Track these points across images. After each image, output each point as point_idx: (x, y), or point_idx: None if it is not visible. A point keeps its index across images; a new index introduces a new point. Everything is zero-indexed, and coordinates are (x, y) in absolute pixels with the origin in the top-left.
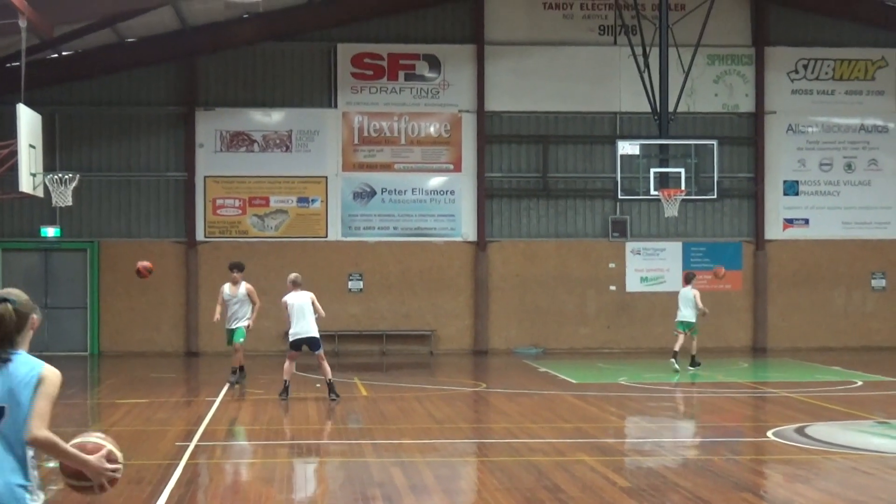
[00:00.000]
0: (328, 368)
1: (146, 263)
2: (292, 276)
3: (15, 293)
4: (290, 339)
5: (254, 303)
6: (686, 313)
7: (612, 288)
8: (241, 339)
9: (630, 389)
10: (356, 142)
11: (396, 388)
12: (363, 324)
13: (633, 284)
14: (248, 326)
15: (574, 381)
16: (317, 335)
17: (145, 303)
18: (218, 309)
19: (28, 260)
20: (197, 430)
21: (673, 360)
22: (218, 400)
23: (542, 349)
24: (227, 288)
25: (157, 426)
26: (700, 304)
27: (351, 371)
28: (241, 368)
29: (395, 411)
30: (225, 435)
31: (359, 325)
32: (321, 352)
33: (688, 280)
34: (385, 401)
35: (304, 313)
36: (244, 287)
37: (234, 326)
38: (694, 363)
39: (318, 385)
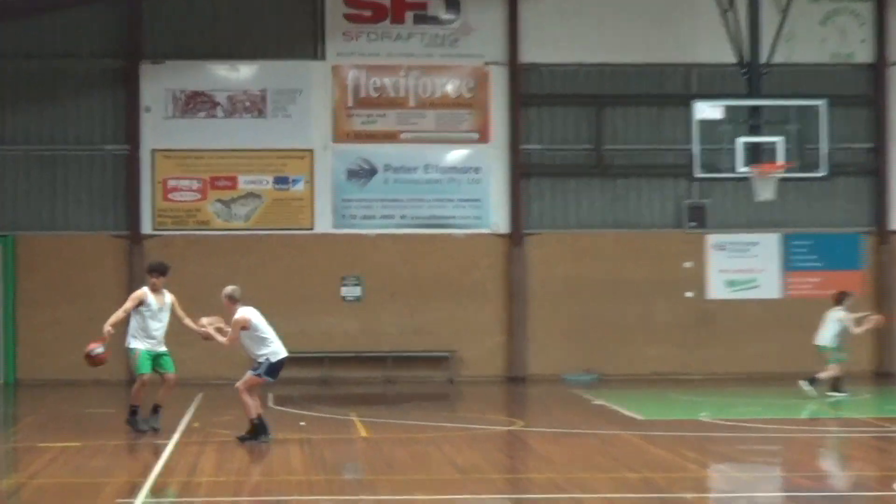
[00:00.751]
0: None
1: (99, 350)
2: (230, 289)
3: None
4: (273, 361)
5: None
6: (825, 335)
7: (689, 294)
8: (173, 370)
9: (713, 428)
10: (351, 104)
11: (406, 428)
12: (362, 343)
13: (716, 290)
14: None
15: (639, 418)
16: None
17: (75, 316)
18: (116, 318)
19: None
20: (143, 483)
21: (808, 383)
22: (171, 443)
23: (597, 375)
24: (150, 296)
25: (92, 477)
26: (855, 327)
27: (346, 405)
28: (157, 409)
29: (404, 458)
30: (180, 489)
31: (356, 345)
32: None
33: (839, 301)
34: (391, 444)
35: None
36: (170, 297)
37: (160, 350)
38: (837, 389)
39: (302, 423)
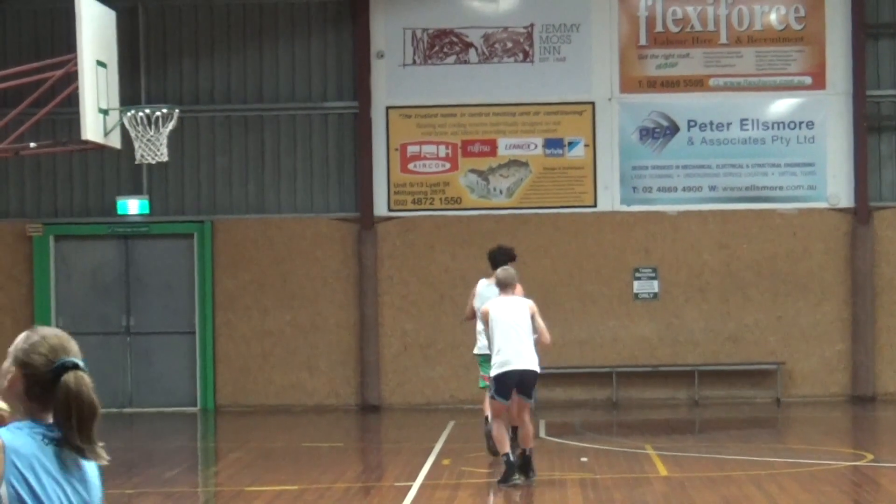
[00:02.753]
0: (531, 430)
1: None
2: (504, 272)
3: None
4: (500, 372)
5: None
6: None
7: None
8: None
9: None
10: (643, 42)
11: (718, 463)
12: (661, 354)
13: None
14: None
15: None
16: (537, 370)
17: (290, 324)
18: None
19: (98, 253)
20: None
21: None
22: (416, 485)
23: None
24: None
25: None
26: None
27: (639, 434)
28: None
29: (716, 503)
30: None
31: (653, 357)
32: (532, 401)
33: None
34: (699, 485)
35: (518, 332)
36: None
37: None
38: None
39: (584, 459)
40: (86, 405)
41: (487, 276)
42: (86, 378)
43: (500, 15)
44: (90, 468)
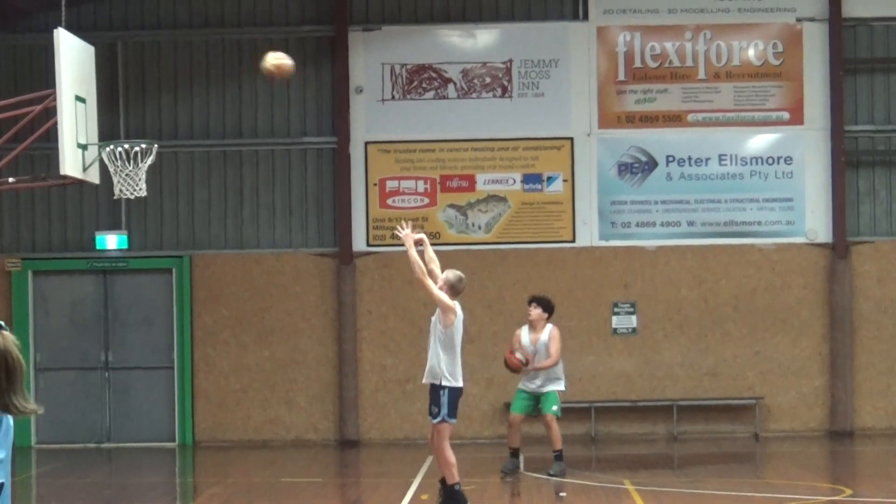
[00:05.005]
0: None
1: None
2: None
3: None
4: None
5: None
6: None
7: None
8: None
9: None
10: (622, 77)
11: (696, 498)
12: (639, 389)
13: None
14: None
15: None
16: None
17: (269, 359)
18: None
19: (76, 288)
20: None
21: None
22: None
23: None
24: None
25: None
26: None
27: (618, 469)
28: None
29: None
30: None
31: (632, 392)
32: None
33: None
34: None
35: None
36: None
37: (546, 389)
38: None
39: (562, 494)
40: (14, 360)
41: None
42: (10, 336)
43: (479, 50)
44: (6, 418)
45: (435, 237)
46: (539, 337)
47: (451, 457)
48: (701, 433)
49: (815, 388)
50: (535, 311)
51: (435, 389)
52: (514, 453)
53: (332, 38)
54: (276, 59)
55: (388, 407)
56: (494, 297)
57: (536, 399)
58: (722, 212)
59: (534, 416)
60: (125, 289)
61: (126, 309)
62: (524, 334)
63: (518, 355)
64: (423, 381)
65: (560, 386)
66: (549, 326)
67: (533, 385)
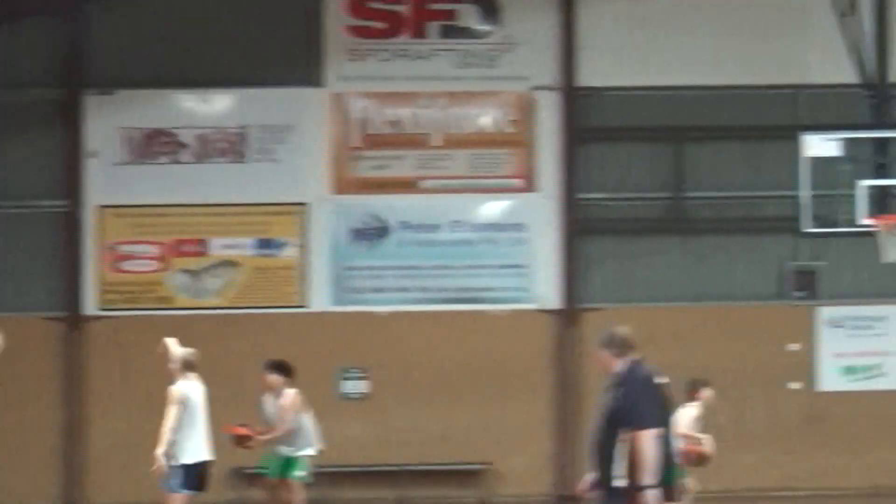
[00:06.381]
0: None
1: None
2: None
3: None
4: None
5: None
6: None
7: (795, 386)
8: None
9: None
10: (356, 143)
11: None
12: (369, 453)
13: (830, 380)
14: None
15: None
16: None
17: (14, 419)
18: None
19: None
20: None
21: None
22: None
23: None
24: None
25: None
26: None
27: None
28: None
29: None
30: None
31: (361, 456)
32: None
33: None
34: None
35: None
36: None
37: (298, 453)
38: None
39: None
40: None
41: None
42: None
43: (214, 115)
44: None
45: (168, 301)
46: (280, 403)
47: None
48: (430, 498)
49: (543, 452)
50: (271, 377)
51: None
52: None
53: (64, 101)
54: None
55: (117, 471)
56: (222, 363)
57: (287, 462)
58: (454, 278)
59: (280, 478)
60: None
61: None
62: (267, 403)
63: (241, 428)
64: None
65: (309, 451)
66: (287, 391)
67: (285, 449)
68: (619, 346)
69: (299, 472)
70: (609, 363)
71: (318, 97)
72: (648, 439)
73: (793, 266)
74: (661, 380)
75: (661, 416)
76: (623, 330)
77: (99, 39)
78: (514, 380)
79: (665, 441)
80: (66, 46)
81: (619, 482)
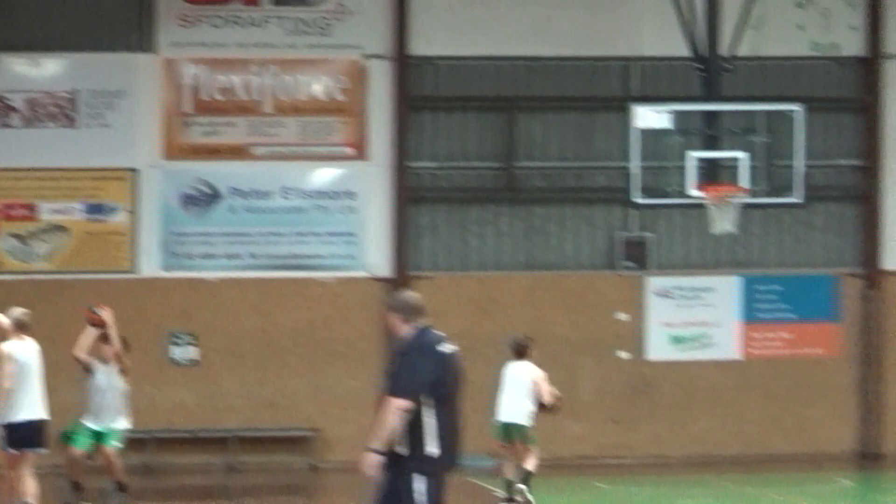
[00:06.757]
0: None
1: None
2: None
3: None
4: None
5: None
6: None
7: (623, 355)
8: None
9: None
10: (188, 109)
11: None
12: (198, 419)
13: (658, 349)
14: None
15: None
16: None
17: None
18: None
19: None
20: None
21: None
22: None
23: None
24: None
25: None
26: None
27: (177, 500)
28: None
29: None
30: None
31: (190, 422)
32: None
33: (519, 352)
34: None
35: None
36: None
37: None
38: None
39: None
40: None
41: None
42: None
43: (44, 79)
44: None
45: None
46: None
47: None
48: (259, 464)
49: (372, 419)
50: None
51: None
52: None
53: None
54: None
55: None
56: (51, 327)
57: (98, 434)
58: (284, 245)
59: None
60: None
61: None
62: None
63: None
64: None
65: (125, 423)
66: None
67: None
68: (408, 310)
69: (115, 442)
70: (397, 327)
71: (150, 62)
72: (394, 409)
73: (623, 236)
74: (449, 348)
75: (443, 385)
76: (413, 295)
77: None
78: (343, 347)
79: (451, 410)
80: None
81: (401, 449)
